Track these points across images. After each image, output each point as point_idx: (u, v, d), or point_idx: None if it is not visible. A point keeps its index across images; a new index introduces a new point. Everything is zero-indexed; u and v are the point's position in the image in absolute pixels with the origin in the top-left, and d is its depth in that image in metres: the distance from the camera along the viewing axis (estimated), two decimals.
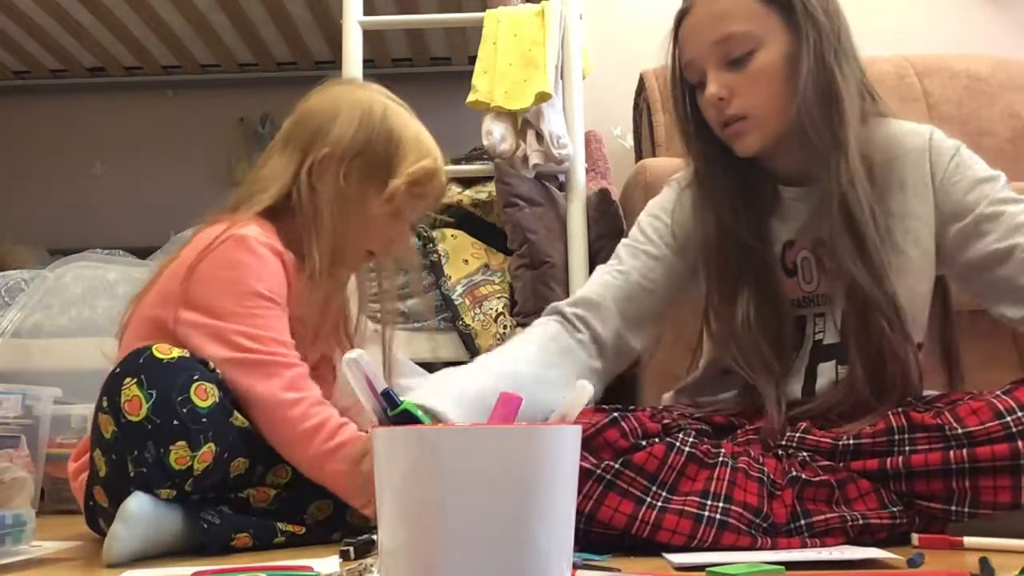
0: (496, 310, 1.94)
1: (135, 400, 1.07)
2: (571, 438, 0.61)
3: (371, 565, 0.89)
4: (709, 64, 1.19)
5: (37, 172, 3.51)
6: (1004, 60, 2.48)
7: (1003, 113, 2.33)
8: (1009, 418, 1.02)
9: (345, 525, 1.21)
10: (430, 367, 1.80)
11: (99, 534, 1.20)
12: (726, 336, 1.23)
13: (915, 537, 1.04)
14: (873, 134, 1.22)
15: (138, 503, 1.06)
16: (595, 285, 1.28)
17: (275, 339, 1.18)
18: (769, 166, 1.26)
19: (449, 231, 2.10)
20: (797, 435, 1.13)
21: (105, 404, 1.10)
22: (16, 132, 3.54)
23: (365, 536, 1.00)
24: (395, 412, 0.70)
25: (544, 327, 1.24)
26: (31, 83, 3.52)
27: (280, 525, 1.17)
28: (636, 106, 2.62)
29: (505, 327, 1.93)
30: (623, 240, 1.33)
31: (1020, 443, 1.00)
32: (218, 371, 1.14)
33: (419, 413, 0.71)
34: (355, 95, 1.35)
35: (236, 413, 1.14)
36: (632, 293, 1.26)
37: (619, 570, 0.90)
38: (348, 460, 1.12)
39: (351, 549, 0.97)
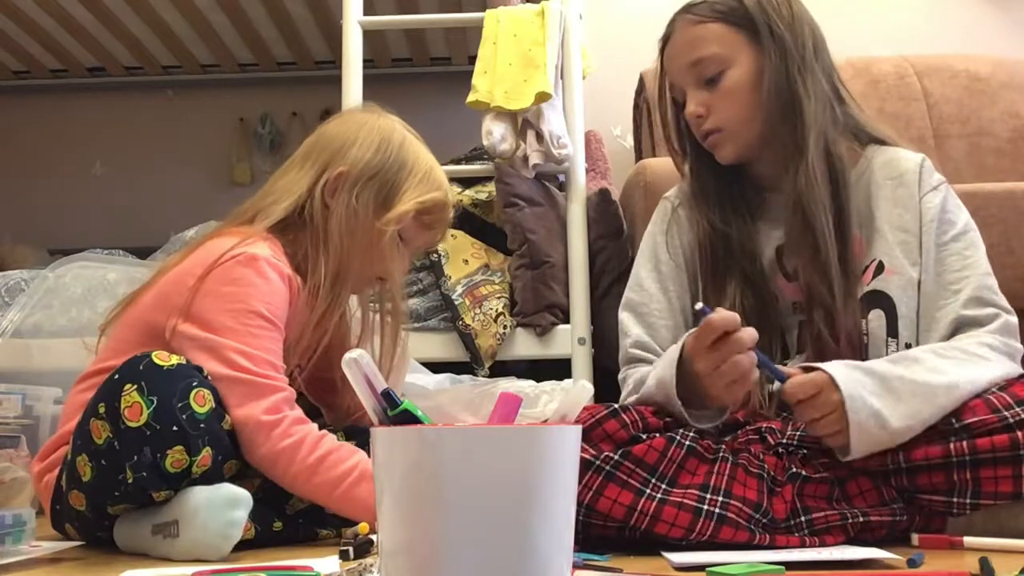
0: (496, 310, 1.94)
1: (136, 406, 1.07)
2: (571, 438, 0.61)
3: (371, 565, 0.89)
4: (687, 85, 1.30)
5: (37, 172, 3.51)
6: (1004, 60, 2.48)
7: (1003, 113, 2.32)
8: (1007, 412, 1.04)
9: (325, 515, 1.22)
10: (430, 367, 1.80)
11: (63, 536, 1.20)
12: None
13: (915, 537, 1.05)
14: (874, 156, 1.31)
15: (243, 491, 1.09)
16: (648, 326, 1.32)
17: (268, 361, 1.18)
18: (753, 173, 1.34)
19: (449, 231, 2.10)
20: (798, 433, 1.14)
21: (102, 410, 1.10)
22: (16, 132, 3.54)
23: (364, 537, 1.01)
24: (395, 412, 0.70)
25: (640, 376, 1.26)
26: (31, 83, 3.52)
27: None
28: (636, 106, 2.62)
29: (505, 327, 1.93)
30: (642, 269, 1.37)
31: (1019, 434, 1.02)
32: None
33: (419, 413, 0.71)
34: (377, 122, 1.38)
35: (227, 417, 1.15)
36: (677, 320, 1.32)
37: (620, 570, 0.90)
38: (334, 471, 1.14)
39: (351, 549, 0.97)
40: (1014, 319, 1.20)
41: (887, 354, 1.20)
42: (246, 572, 0.90)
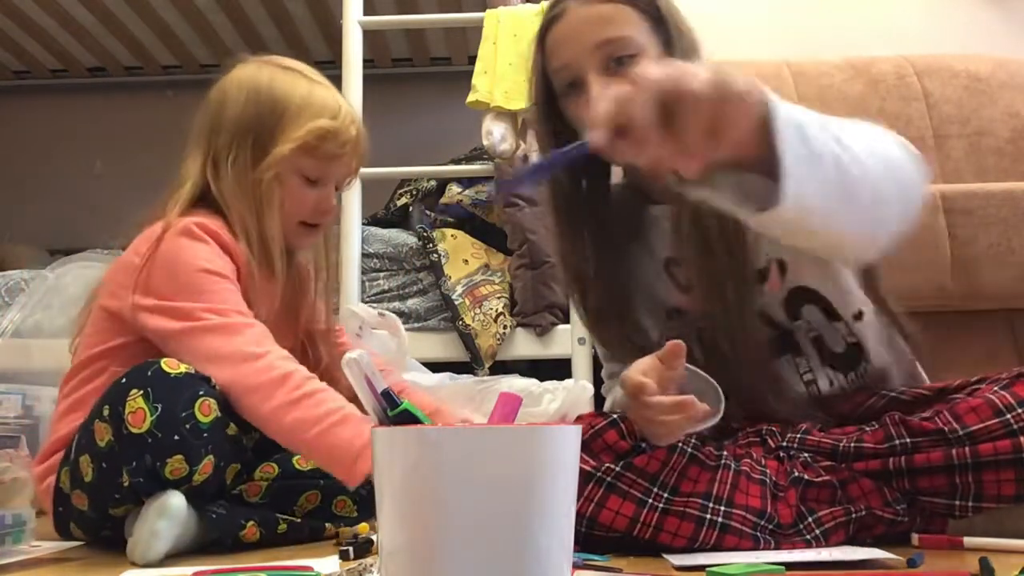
0: (496, 310, 1.94)
1: (140, 412, 1.06)
2: (571, 438, 0.61)
3: (371, 565, 0.89)
4: (589, 68, 1.14)
5: (37, 172, 3.51)
6: (1004, 60, 2.48)
7: (1003, 113, 2.33)
8: (1009, 415, 1.03)
9: (333, 515, 1.22)
10: (430, 367, 1.80)
11: (67, 538, 1.20)
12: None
13: (915, 537, 1.05)
14: None
15: (180, 501, 1.07)
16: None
17: (232, 309, 1.17)
18: (643, 183, 1.25)
19: (449, 231, 2.10)
20: (798, 436, 1.13)
21: (106, 412, 1.09)
22: (16, 132, 3.54)
23: (364, 536, 1.01)
24: (395, 412, 0.70)
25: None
26: (31, 83, 3.52)
27: (278, 515, 1.18)
28: None
29: (505, 327, 1.93)
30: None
31: (1022, 438, 1.01)
32: (217, 386, 1.13)
33: (419, 413, 0.71)
34: (242, 73, 1.32)
35: (231, 423, 1.14)
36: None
37: (620, 570, 0.90)
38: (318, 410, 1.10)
39: (351, 549, 0.97)
40: None
41: (841, 343, 1.19)
42: (246, 572, 0.90)
